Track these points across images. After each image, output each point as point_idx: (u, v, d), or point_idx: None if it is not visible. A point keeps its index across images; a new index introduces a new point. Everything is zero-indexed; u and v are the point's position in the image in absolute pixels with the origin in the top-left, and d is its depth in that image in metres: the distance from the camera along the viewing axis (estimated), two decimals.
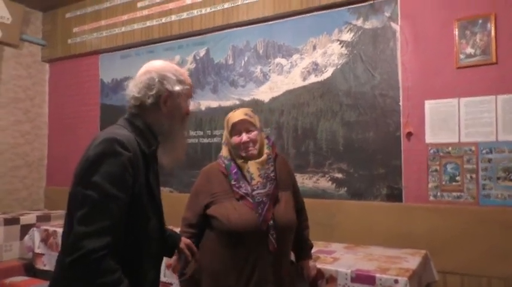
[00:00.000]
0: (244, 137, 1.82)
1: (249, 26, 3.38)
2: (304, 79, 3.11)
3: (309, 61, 3.10)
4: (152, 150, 1.36)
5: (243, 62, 3.42)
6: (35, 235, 3.24)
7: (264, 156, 1.83)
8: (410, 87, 2.72)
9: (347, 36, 2.95)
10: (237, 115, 1.87)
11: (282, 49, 3.23)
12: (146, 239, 1.30)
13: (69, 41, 4.45)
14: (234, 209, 1.76)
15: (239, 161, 1.84)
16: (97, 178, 1.16)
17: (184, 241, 1.65)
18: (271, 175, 1.81)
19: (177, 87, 1.39)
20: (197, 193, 1.90)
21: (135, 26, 3.94)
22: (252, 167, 1.81)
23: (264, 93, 3.29)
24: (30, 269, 3.19)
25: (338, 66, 2.97)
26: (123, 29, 4.02)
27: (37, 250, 3.21)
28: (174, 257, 1.88)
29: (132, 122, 1.37)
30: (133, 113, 1.39)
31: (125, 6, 4.02)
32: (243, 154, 1.83)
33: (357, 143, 2.88)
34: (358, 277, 1.91)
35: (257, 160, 1.82)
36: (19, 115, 4.44)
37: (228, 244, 1.76)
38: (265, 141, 1.89)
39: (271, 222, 1.73)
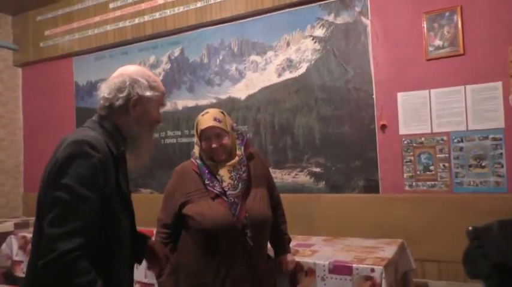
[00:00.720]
0: (214, 144, 1.80)
1: (222, 25, 3.38)
2: (279, 76, 3.14)
3: (283, 58, 3.12)
4: (121, 151, 1.36)
5: (218, 61, 3.42)
6: (13, 242, 3.19)
7: (236, 159, 1.81)
8: (382, 80, 2.77)
9: (319, 32, 2.98)
10: (205, 121, 1.83)
11: (256, 46, 3.25)
12: (119, 240, 1.30)
13: (41, 44, 4.37)
14: (209, 208, 1.76)
15: (209, 163, 1.84)
16: (67, 180, 1.16)
17: (153, 242, 1.62)
18: (243, 175, 1.80)
19: (148, 93, 1.38)
20: (171, 193, 1.89)
21: (108, 27, 3.89)
22: (223, 170, 1.80)
23: (240, 91, 3.30)
24: (9, 276, 3.15)
25: (312, 62, 3.01)
26: (95, 30, 3.97)
27: (15, 258, 3.16)
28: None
29: (101, 124, 1.36)
30: (102, 115, 1.39)
31: (96, 7, 3.98)
32: (214, 158, 1.83)
33: (333, 137, 2.92)
34: (335, 268, 1.95)
35: (228, 163, 1.81)
36: None
37: (203, 243, 1.77)
38: (237, 142, 1.87)
39: (245, 220, 1.74)
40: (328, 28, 2.95)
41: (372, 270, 1.86)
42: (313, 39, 3.01)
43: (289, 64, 3.10)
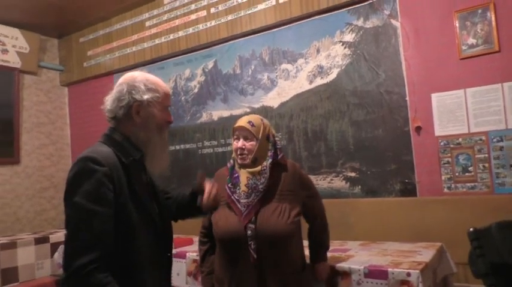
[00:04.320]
0: (240, 143, 1.85)
1: (253, 36, 3.46)
2: (311, 82, 3.17)
3: (314, 64, 3.15)
4: (131, 160, 1.36)
5: (250, 71, 3.50)
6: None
7: (258, 167, 1.82)
8: (415, 82, 2.74)
9: (349, 37, 2.99)
10: (240, 121, 1.90)
11: (286, 55, 3.30)
12: (137, 248, 1.30)
13: (85, 64, 4.64)
14: (223, 216, 1.81)
15: (236, 166, 1.89)
16: (76, 198, 1.21)
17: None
18: (260, 186, 1.79)
19: (146, 96, 1.38)
20: None
21: (145, 45, 4.08)
22: (243, 175, 1.83)
23: (273, 99, 3.36)
24: (61, 284, 3.32)
25: (342, 67, 3.02)
26: (133, 48, 4.17)
27: None
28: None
29: (110, 136, 1.39)
30: (111, 127, 1.42)
31: (134, 26, 4.18)
32: (238, 161, 1.87)
33: (366, 141, 2.91)
34: (371, 272, 1.94)
35: (249, 169, 1.83)
36: (43, 139, 4.65)
37: (221, 251, 1.84)
38: (268, 153, 1.86)
39: (250, 231, 1.73)
40: (358, 33, 2.96)
41: (408, 274, 1.84)
42: (342, 44, 3.02)
43: (320, 70, 3.12)
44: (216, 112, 3.71)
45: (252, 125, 1.86)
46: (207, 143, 3.74)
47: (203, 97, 3.81)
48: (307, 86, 3.19)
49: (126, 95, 1.38)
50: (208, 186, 1.56)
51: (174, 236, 1.57)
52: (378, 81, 2.87)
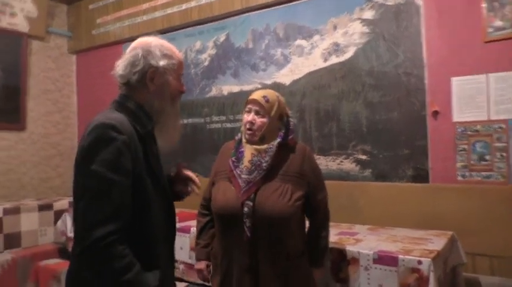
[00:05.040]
0: (250, 117, 1.77)
1: (268, 9, 3.34)
2: (325, 60, 3.06)
3: (330, 42, 3.04)
4: (147, 131, 1.31)
5: (263, 46, 3.39)
6: (67, 219, 3.37)
7: (265, 146, 1.75)
8: (435, 64, 2.63)
9: (368, 14, 2.87)
10: (255, 94, 1.82)
11: (302, 31, 3.18)
12: (153, 221, 1.26)
13: (93, 32, 4.53)
14: (222, 191, 1.77)
15: (243, 141, 1.83)
16: (94, 166, 1.14)
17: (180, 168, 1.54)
18: (263, 164, 1.72)
19: (162, 62, 1.31)
20: (212, 168, 1.96)
21: (156, 14, 3.96)
22: (248, 150, 1.77)
23: (285, 76, 3.26)
24: (63, 252, 3.34)
25: (360, 46, 2.90)
26: (144, 17, 4.06)
27: (69, 234, 3.33)
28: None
29: (123, 104, 1.32)
30: (123, 94, 1.35)
31: None
32: (246, 135, 1.80)
33: (380, 123, 2.82)
34: (380, 258, 1.88)
35: (255, 146, 1.76)
36: (49, 106, 4.59)
37: (216, 225, 1.81)
38: (278, 133, 1.79)
39: (246, 209, 1.67)
40: (378, 10, 2.83)
41: (419, 262, 1.78)
42: (361, 22, 2.90)
43: (336, 48, 3.01)
44: (226, 87, 3.62)
45: (267, 101, 1.78)
46: (215, 118, 3.66)
47: (213, 71, 3.71)
48: (321, 64, 3.08)
49: (141, 60, 1.30)
50: (191, 174, 1.50)
51: (177, 210, 1.52)
52: (396, 62, 2.76)
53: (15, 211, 3.28)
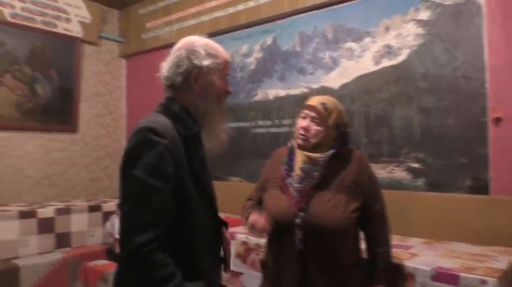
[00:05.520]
0: (305, 123, 1.70)
1: (316, 11, 3.26)
2: (377, 63, 2.94)
3: (382, 44, 2.91)
4: (192, 134, 1.28)
5: (311, 49, 3.31)
6: (115, 221, 3.44)
7: (318, 154, 1.67)
8: (498, 67, 2.44)
9: (424, 15, 2.72)
10: (313, 99, 1.75)
11: (351, 33, 3.07)
12: (195, 228, 1.23)
13: (143, 36, 4.64)
14: (274, 199, 1.71)
15: (295, 146, 1.75)
16: (136, 171, 1.13)
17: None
18: (315, 174, 1.65)
19: (206, 62, 1.28)
20: (262, 174, 1.91)
21: (203, 18, 3.99)
22: (299, 156, 1.69)
23: (334, 80, 3.16)
24: (111, 253, 3.40)
25: (414, 48, 2.76)
26: (192, 21, 4.09)
27: (117, 236, 3.40)
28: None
29: (168, 106, 1.30)
30: (168, 97, 1.32)
31: None
32: (298, 141, 1.73)
33: (435, 130, 2.66)
34: (439, 276, 1.74)
35: (307, 153, 1.68)
36: (100, 108, 4.74)
37: (270, 235, 1.73)
38: (333, 142, 1.71)
39: (298, 220, 1.60)
40: (435, 10, 2.68)
41: (483, 282, 1.63)
42: (416, 23, 2.76)
43: (388, 51, 2.88)
44: (272, 91, 3.57)
45: (325, 108, 1.70)
46: (260, 123, 3.62)
47: (259, 74, 3.67)
48: (372, 67, 2.96)
49: (184, 61, 1.28)
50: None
51: (223, 215, 1.48)
52: (454, 64, 2.59)
53: (67, 211, 3.39)
